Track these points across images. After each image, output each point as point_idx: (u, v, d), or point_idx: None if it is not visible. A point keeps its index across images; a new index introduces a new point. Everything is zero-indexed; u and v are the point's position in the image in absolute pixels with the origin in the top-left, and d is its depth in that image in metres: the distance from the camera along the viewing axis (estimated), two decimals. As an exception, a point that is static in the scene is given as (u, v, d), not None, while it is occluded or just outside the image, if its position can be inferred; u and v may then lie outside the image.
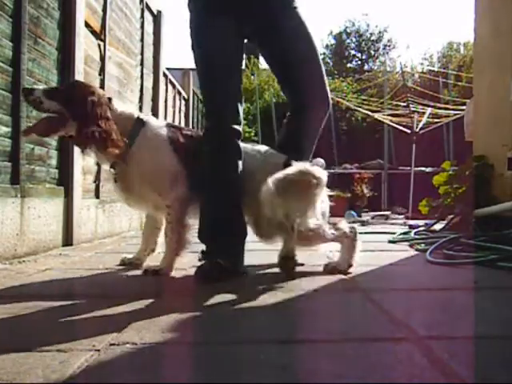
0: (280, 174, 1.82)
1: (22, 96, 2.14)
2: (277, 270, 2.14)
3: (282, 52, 2.13)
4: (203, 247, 2.07)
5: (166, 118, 5.96)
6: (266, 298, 1.59)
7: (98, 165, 3.68)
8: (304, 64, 2.13)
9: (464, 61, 13.76)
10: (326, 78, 2.22)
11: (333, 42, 19.51)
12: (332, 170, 10.64)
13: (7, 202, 2.46)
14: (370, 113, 10.66)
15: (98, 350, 1.06)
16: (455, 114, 9.55)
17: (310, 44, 2.14)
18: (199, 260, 2.06)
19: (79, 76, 3.22)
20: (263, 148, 2.24)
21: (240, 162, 2.07)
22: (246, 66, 14.04)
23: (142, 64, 4.80)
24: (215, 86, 2.07)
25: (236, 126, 2.06)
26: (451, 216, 3.55)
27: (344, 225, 2.15)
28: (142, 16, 4.79)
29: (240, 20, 2.03)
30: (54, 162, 3.03)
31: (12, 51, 2.54)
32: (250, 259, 2.18)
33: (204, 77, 2.09)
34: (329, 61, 18.69)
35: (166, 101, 6.01)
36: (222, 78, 2.06)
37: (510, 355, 1.06)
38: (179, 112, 6.98)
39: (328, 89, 2.22)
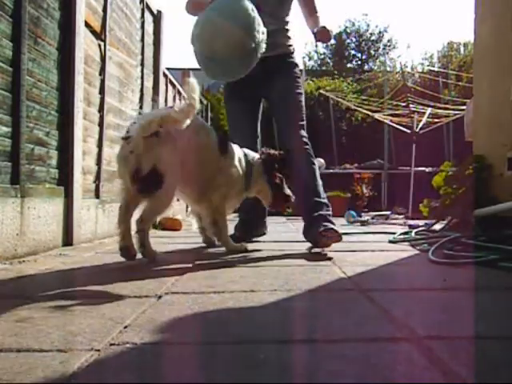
0: None
1: None
2: (277, 268, 2.14)
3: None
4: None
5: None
6: (266, 298, 1.59)
7: (98, 165, 3.69)
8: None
9: (464, 61, 13.75)
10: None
11: (333, 42, 19.50)
12: (332, 170, 10.67)
13: (7, 202, 2.46)
14: (370, 113, 10.65)
15: (98, 350, 1.06)
16: (455, 114, 9.55)
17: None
18: None
19: (79, 76, 3.22)
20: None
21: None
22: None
23: (142, 64, 4.80)
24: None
25: None
26: (451, 216, 3.54)
27: None
28: (143, 16, 4.78)
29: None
30: (53, 162, 3.03)
31: (12, 51, 2.54)
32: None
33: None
34: (329, 61, 18.70)
35: (166, 101, 6.01)
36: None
37: (510, 355, 1.06)
38: (179, 112, 6.97)
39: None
